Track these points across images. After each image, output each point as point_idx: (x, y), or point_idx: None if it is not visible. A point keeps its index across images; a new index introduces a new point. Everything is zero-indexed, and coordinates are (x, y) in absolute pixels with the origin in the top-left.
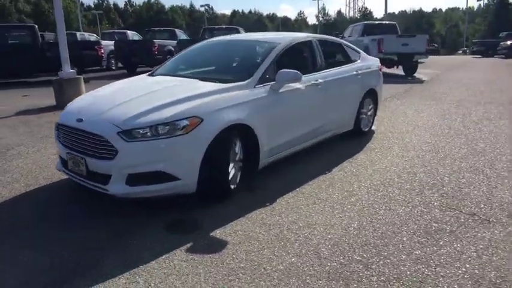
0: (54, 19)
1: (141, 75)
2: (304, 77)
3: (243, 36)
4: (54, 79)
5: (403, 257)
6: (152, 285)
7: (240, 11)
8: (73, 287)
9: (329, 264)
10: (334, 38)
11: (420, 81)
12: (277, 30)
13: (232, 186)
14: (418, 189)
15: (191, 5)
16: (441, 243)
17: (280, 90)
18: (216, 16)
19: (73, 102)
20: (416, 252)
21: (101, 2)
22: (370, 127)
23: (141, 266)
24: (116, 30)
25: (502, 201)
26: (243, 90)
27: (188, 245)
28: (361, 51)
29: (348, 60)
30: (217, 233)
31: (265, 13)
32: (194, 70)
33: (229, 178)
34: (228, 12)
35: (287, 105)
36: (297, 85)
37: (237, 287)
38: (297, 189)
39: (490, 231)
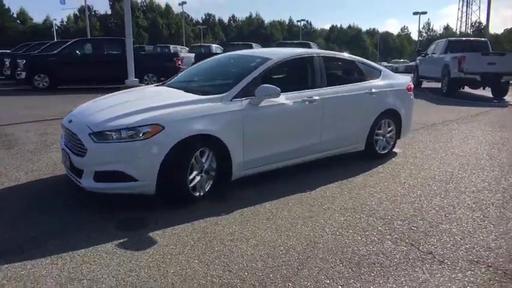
0: (166, 33)
1: (149, 86)
2: (295, 93)
3: (247, 51)
4: (121, 86)
5: (309, 284)
6: (66, 268)
7: (339, 25)
8: (10, 259)
9: (228, 279)
10: (346, 55)
11: (504, 105)
12: (376, 46)
13: (197, 193)
14: (389, 219)
15: (290, 20)
16: (364, 277)
17: (261, 105)
18: (314, 31)
19: (78, 106)
20: (328, 282)
21: (207, 17)
22: (390, 149)
23: (70, 252)
24: (203, 44)
25: (478, 244)
26: (216, 103)
27: (121, 240)
28: (384, 69)
29: (361, 78)
30: (155, 234)
31: (365, 28)
32: (190, 81)
33: (191, 185)
34: (327, 27)
35: (268, 120)
36: (282, 100)
37: (133, 282)
38: (265, 203)
39: (432, 273)
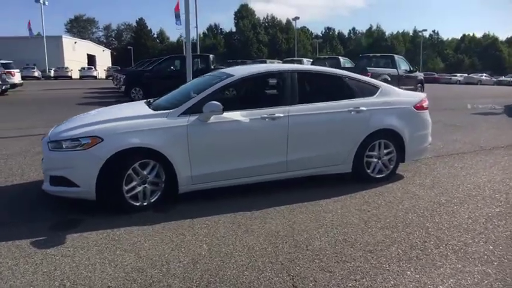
0: (285, 47)
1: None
2: (255, 110)
3: (231, 69)
4: None
5: None
6: None
7: (471, 34)
8: None
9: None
10: (332, 70)
11: None
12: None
13: (138, 203)
14: (311, 248)
15: (414, 31)
16: None
17: (210, 121)
18: (440, 41)
19: None
20: None
21: (327, 31)
22: (389, 174)
23: None
24: (328, 56)
25: None
26: (161, 118)
27: (44, 238)
28: (385, 86)
29: (346, 95)
30: (72, 236)
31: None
32: (169, 98)
33: (130, 194)
34: (457, 36)
35: (218, 137)
36: (236, 117)
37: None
38: (194, 219)
39: None
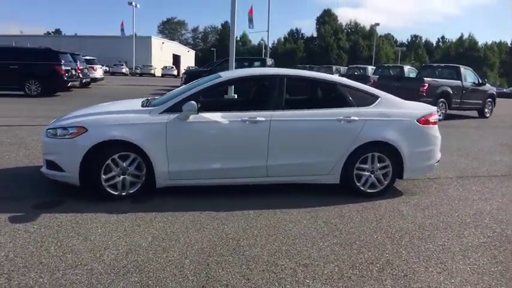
0: (366, 54)
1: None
2: (236, 113)
3: (224, 72)
4: None
5: None
6: None
7: None
8: None
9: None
10: (326, 76)
11: None
12: None
13: (117, 192)
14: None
15: None
16: None
17: (190, 120)
18: None
19: None
20: None
21: (414, 38)
22: (382, 189)
23: None
24: (392, 65)
25: None
26: (144, 115)
27: (21, 214)
28: (386, 96)
29: (338, 103)
30: (45, 215)
31: None
32: (163, 97)
33: (109, 183)
34: None
35: (196, 136)
36: (215, 118)
37: None
38: (161, 213)
39: None
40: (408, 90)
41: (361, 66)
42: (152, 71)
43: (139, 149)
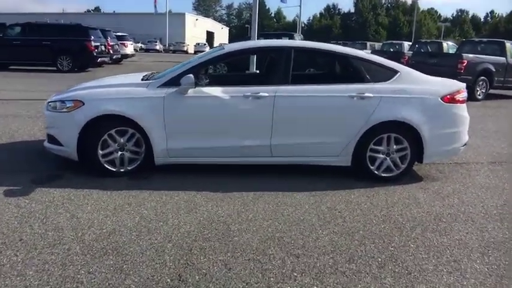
0: (407, 30)
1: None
2: (238, 87)
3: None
4: None
5: None
6: None
7: None
8: None
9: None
10: (338, 48)
11: None
12: None
13: (115, 169)
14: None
15: None
16: None
17: (188, 95)
18: None
19: None
20: None
21: (459, 13)
22: (399, 174)
23: None
24: (430, 40)
25: None
26: (141, 88)
27: (18, 188)
28: (406, 70)
29: (351, 78)
30: (41, 190)
31: None
32: (167, 70)
33: (106, 159)
34: None
35: (195, 111)
36: (215, 93)
37: None
38: (156, 191)
39: None
40: (445, 67)
41: (397, 42)
42: (185, 48)
43: (137, 124)
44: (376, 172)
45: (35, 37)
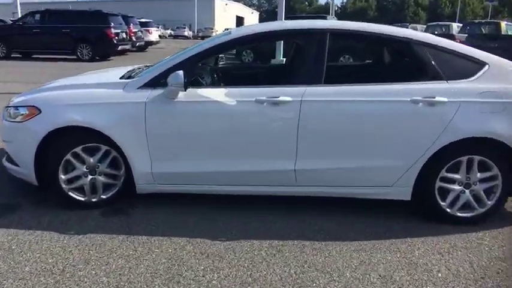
0: (449, 11)
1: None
2: (248, 89)
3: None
4: None
5: None
6: None
7: None
8: None
9: None
10: (395, 31)
11: None
12: None
13: (83, 198)
14: None
15: None
16: None
17: (179, 99)
18: None
19: None
20: None
21: None
22: (483, 214)
23: None
24: (485, 21)
25: None
26: (115, 90)
27: None
28: (497, 60)
29: (419, 74)
30: None
31: None
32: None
33: (72, 186)
34: None
35: (190, 122)
36: (217, 97)
37: None
38: (133, 236)
39: None
40: (509, 52)
41: (443, 23)
42: (214, 34)
43: (111, 140)
44: (448, 210)
45: (54, 24)
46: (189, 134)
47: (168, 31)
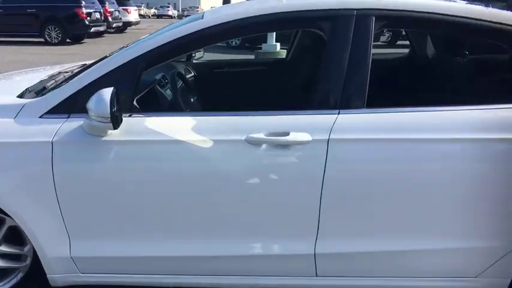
0: None
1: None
2: (232, 117)
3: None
4: None
5: None
6: None
7: None
8: None
9: None
10: (484, 11)
11: None
12: None
13: None
14: None
15: None
16: None
17: (108, 138)
18: None
19: None
20: None
21: None
22: None
23: None
24: None
25: None
26: (4, 119)
27: None
28: None
29: None
30: None
31: None
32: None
33: None
34: None
35: (133, 179)
36: (173, 132)
37: None
38: None
39: None
40: None
41: None
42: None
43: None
44: None
45: (17, 4)
46: (131, 196)
47: (152, 10)
